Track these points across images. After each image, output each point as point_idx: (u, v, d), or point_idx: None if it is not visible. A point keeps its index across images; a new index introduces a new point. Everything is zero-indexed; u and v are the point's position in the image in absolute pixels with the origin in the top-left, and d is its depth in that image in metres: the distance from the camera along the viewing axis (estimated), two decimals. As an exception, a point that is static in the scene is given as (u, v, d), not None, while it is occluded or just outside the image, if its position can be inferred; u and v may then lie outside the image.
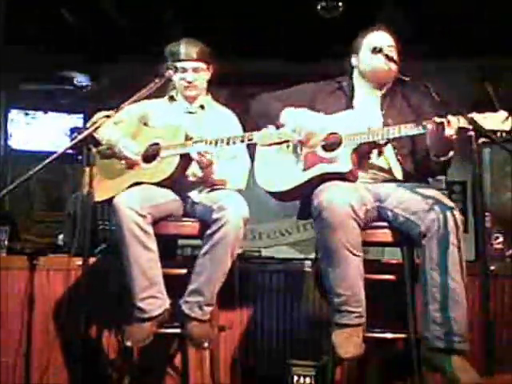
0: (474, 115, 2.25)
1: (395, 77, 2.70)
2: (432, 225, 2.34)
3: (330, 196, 2.39)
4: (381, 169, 2.64)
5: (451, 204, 2.42)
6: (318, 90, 2.78)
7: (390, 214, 2.52)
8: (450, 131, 2.30)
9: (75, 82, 5.60)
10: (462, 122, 2.27)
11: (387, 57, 2.57)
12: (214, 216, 2.53)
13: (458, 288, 2.31)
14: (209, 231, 2.55)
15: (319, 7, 4.64)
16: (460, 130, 2.28)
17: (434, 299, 2.33)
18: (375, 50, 2.60)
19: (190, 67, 2.87)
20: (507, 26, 4.54)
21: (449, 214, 2.35)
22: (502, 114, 2.28)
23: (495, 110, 2.29)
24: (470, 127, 2.20)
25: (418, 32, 4.65)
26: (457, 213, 2.37)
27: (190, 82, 2.89)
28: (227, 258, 2.56)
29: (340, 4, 4.60)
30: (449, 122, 2.30)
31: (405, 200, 2.48)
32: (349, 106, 2.70)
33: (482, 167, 2.34)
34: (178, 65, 2.84)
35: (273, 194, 2.72)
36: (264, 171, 2.73)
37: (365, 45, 2.69)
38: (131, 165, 2.79)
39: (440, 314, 2.31)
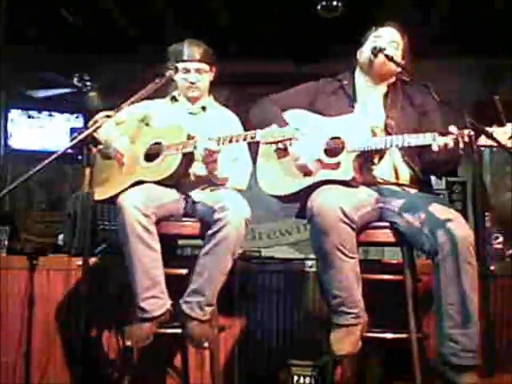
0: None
1: (397, 75, 2.70)
2: (446, 243, 2.31)
3: (321, 201, 2.39)
4: (386, 172, 2.63)
5: (461, 218, 2.39)
6: (318, 90, 2.77)
7: (397, 216, 2.49)
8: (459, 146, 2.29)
9: (75, 83, 5.60)
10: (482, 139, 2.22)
11: (387, 57, 2.56)
12: (216, 216, 2.52)
13: (474, 306, 2.28)
14: (210, 231, 2.55)
15: (319, 7, 4.64)
16: (478, 147, 2.24)
17: (450, 317, 2.30)
18: (375, 49, 2.59)
19: (193, 68, 2.86)
20: (507, 25, 4.54)
21: (463, 231, 2.33)
22: (509, 128, 2.24)
23: (502, 125, 2.26)
24: (486, 143, 2.20)
25: (417, 32, 4.64)
26: (468, 228, 2.36)
27: (192, 83, 2.88)
28: (228, 258, 2.55)
29: (340, 4, 4.60)
30: (457, 139, 2.28)
31: (415, 206, 2.45)
32: (350, 105, 2.69)
33: (482, 167, 2.35)
34: (181, 65, 2.83)
35: (274, 197, 2.72)
36: (265, 174, 2.73)
37: (369, 39, 2.69)
38: (119, 160, 2.77)
39: (456, 331, 2.29)
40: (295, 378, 2.86)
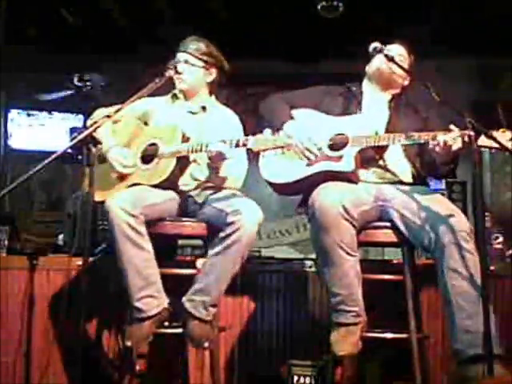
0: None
1: (402, 87, 2.77)
2: (446, 236, 2.33)
3: (323, 197, 2.42)
4: (388, 170, 2.66)
5: (460, 212, 2.42)
6: (326, 93, 2.84)
7: (396, 214, 2.52)
8: (457, 146, 2.33)
9: (75, 82, 5.60)
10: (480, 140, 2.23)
11: (387, 57, 2.58)
12: (229, 219, 2.52)
13: (479, 293, 2.23)
14: (222, 233, 2.54)
15: (319, 7, 4.64)
16: (478, 147, 2.26)
17: (461, 308, 2.29)
18: (376, 50, 2.62)
19: (182, 59, 2.87)
20: (507, 25, 4.55)
21: (461, 223, 2.35)
22: (509, 134, 2.26)
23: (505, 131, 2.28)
24: (487, 144, 2.22)
25: (417, 31, 4.65)
26: (466, 221, 2.38)
27: (178, 73, 2.84)
28: (238, 260, 2.56)
29: (340, 4, 4.59)
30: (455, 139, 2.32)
31: (413, 203, 2.48)
32: (356, 108, 2.74)
33: (481, 167, 2.35)
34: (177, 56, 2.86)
35: (274, 186, 2.74)
36: (269, 163, 2.75)
37: (377, 55, 2.71)
38: (121, 176, 2.79)
39: (469, 322, 2.27)
40: (295, 378, 2.86)
